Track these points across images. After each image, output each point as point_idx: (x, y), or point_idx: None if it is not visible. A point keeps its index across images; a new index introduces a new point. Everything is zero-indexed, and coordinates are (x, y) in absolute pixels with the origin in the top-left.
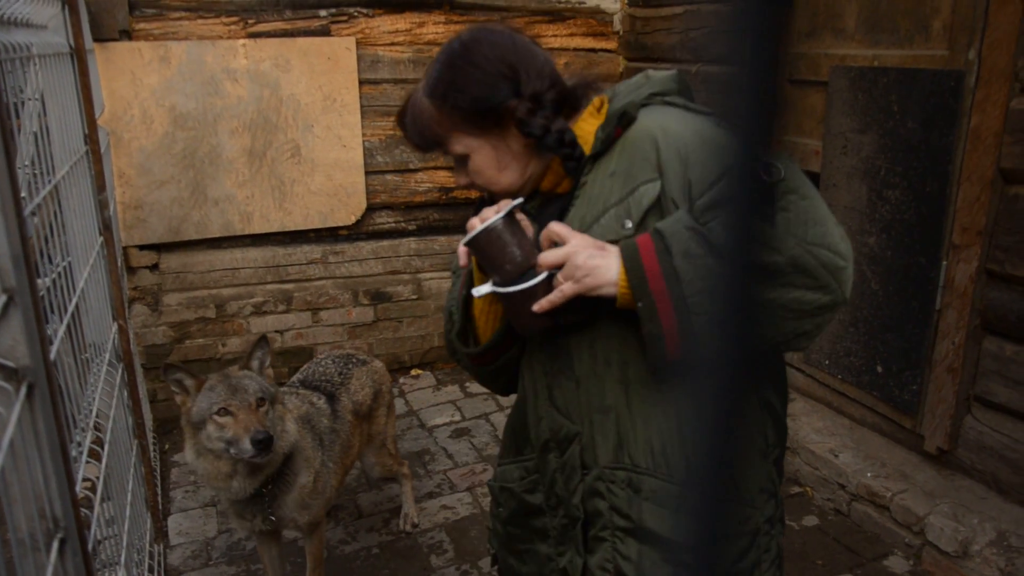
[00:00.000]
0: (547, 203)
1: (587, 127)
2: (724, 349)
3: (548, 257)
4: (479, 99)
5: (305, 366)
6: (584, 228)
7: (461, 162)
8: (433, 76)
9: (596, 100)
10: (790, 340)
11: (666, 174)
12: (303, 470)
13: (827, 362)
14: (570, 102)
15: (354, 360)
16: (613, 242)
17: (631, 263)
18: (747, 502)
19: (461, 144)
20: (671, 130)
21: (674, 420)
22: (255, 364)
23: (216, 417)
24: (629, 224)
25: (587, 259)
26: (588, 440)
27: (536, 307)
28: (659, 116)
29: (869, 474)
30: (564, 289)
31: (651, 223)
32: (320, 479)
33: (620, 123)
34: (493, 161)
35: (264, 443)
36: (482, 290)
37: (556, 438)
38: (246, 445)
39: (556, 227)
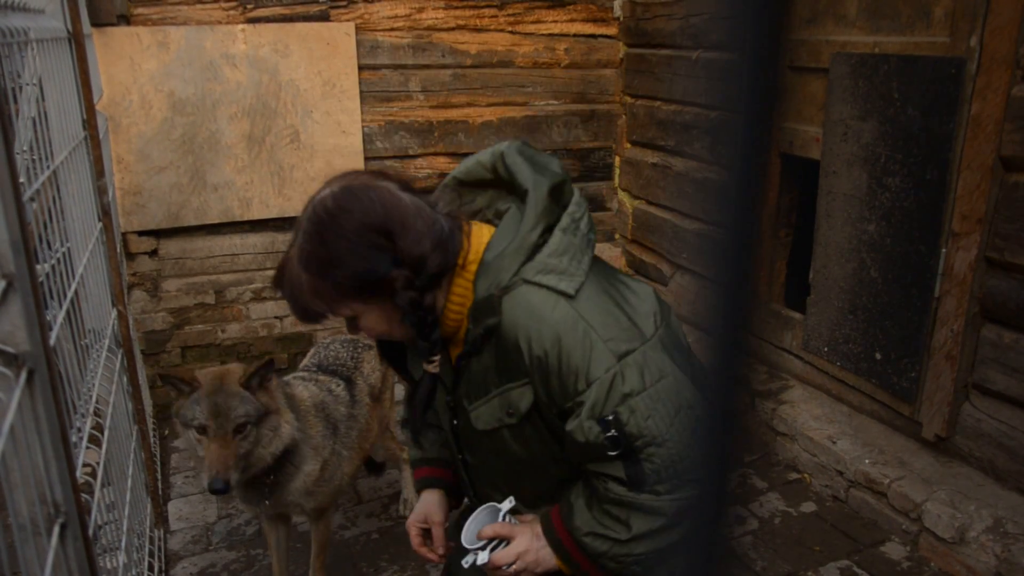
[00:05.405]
0: (445, 362)
1: (456, 300)
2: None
3: (504, 557)
4: (358, 274)
5: (313, 350)
6: (475, 405)
7: (351, 320)
8: (306, 250)
9: (460, 253)
10: None
11: (533, 382)
12: (309, 459)
13: (826, 349)
14: (452, 260)
15: (362, 343)
16: (497, 428)
17: (569, 565)
18: None
19: (348, 309)
20: (532, 336)
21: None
22: (254, 382)
23: (194, 432)
24: (512, 416)
25: (536, 554)
26: (483, 494)
27: None
28: (521, 313)
29: (867, 461)
30: None
31: (534, 418)
32: (328, 467)
33: (487, 332)
34: (383, 321)
35: (220, 491)
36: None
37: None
38: (205, 481)
39: (504, 530)
